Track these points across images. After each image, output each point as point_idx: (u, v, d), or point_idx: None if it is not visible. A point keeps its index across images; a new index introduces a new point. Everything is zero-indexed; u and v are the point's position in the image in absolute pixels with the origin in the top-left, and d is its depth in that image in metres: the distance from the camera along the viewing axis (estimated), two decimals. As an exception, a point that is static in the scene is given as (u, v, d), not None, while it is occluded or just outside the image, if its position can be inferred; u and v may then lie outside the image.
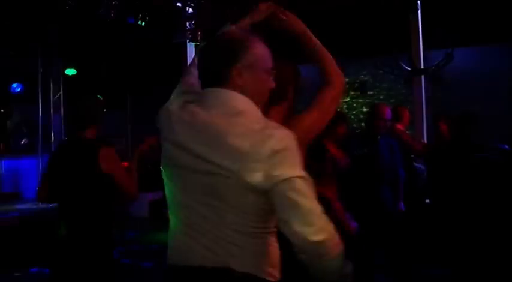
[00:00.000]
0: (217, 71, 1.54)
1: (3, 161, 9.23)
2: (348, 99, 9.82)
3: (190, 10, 8.53)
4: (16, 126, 11.61)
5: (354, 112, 9.78)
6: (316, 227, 1.41)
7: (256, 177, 1.41)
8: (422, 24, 7.58)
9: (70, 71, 9.73)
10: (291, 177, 1.41)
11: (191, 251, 1.53)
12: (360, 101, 9.83)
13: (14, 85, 10.00)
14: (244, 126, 1.47)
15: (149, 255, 6.25)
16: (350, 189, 3.91)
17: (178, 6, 8.26)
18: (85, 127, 3.04)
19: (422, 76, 7.61)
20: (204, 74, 1.59)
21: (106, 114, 3.20)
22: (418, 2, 7.26)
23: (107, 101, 3.23)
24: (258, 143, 1.42)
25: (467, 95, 8.14)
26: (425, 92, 7.64)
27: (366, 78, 9.80)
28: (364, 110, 9.36)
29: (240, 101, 1.53)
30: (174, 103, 1.66)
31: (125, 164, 3.34)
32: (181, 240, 1.57)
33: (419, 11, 7.43)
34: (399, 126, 5.00)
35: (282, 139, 1.44)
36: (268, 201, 1.44)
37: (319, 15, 7.56)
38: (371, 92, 9.81)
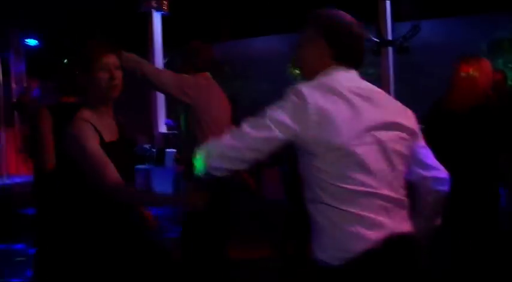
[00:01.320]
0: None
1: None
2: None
3: (157, -21, 8.33)
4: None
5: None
6: None
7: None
8: (390, -4, 7.62)
9: (32, 41, 9.41)
10: None
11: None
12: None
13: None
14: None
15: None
16: None
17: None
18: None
19: (390, 47, 7.68)
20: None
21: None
22: (386, -27, 7.28)
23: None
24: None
25: (433, 65, 8.26)
26: (393, 62, 7.73)
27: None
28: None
29: None
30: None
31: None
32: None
33: (387, -17, 7.46)
34: None
35: None
36: None
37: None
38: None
